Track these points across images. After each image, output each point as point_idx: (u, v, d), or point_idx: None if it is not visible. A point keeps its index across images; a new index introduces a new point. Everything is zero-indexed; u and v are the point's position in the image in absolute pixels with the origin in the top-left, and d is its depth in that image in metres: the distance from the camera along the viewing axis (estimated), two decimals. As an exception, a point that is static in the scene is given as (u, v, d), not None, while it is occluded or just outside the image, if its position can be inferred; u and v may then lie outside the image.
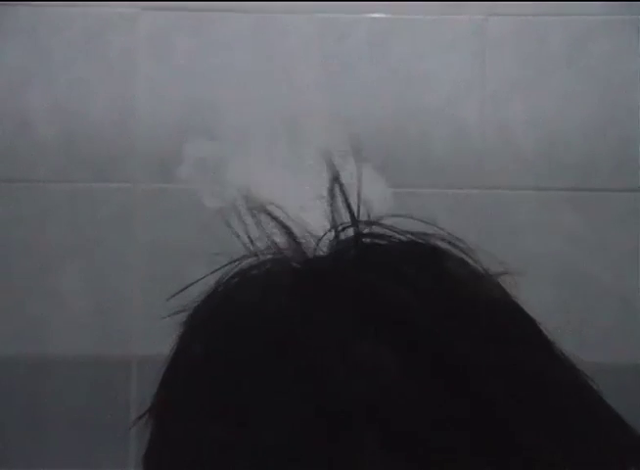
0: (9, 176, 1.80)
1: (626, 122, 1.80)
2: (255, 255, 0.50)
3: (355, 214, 0.49)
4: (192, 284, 0.53)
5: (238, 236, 0.50)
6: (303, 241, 0.49)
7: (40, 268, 1.79)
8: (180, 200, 1.79)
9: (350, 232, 0.49)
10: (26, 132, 1.79)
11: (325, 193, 0.49)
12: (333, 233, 0.49)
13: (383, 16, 1.81)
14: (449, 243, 0.49)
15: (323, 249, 0.49)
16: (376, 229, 0.49)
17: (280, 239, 0.49)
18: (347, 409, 0.43)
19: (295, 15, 1.80)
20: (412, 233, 0.49)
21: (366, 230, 0.49)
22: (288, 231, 0.49)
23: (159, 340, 0.57)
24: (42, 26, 1.80)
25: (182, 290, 0.54)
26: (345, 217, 0.49)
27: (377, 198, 0.49)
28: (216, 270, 0.50)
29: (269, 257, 0.49)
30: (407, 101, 1.79)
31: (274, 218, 0.49)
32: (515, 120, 1.80)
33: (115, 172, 1.79)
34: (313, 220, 0.49)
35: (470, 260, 0.49)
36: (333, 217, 0.49)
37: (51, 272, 1.79)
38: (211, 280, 0.51)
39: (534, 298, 0.51)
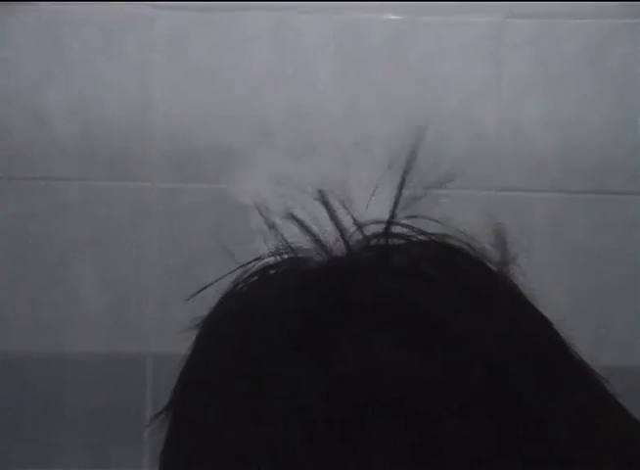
0: (26, 174, 1.80)
1: (643, 126, 1.80)
2: (275, 254, 0.50)
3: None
4: (210, 285, 0.53)
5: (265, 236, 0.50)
6: (322, 240, 0.49)
7: (56, 266, 1.80)
8: (196, 199, 1.79)
9: (368, 232, 0.49)
10: (44, 130, 1.79)
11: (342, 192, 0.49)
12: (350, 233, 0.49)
13: (399, 17, 1.81)
14: (465, 243, 0.49)
15: (341, 248, 0.49)
16: (393, 229, 0.49)
17: (299, 238, 0.49)
18: (365, 404, 0.43)
19: (311, 15, 1.80)
20: (428, 233, 0.49)
21: (383, 230, 0.49)
22: (307, 230, 0.49)
23: (173, 337, 0.58)
24: (61, 25, 1.80)
25: (200, 291, 0.54)
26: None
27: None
28: (235, 270, 0.50)
29: (287, 256, 0.49)
30: (423, 102, 1.79)
31: (294, 218, 0.49)
32: (531, 123, 1.80)
33: (132, 171, 1.80)
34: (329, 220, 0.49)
35: (485, 260, 0.49)
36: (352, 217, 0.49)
37: (67, 270, 1.80)
38: (230, 278, 0.51)
39: (549, 300, 0.51)
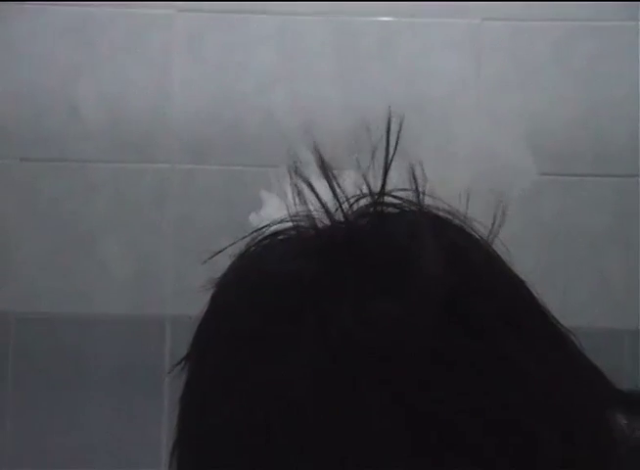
0: (60, 156, 1.80)
1: (606, 116, 1.79)
2: (283, 221, 0.50)
3: (370, 187, 0.49)
4: (225, 249, 0.53)
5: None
6: (325, 209, 0.48)
7: (86, 239, 1.80)
8: (210, 179, 1.79)
9: (364, 202, 0.49)
10: (76, 118, 1.79)
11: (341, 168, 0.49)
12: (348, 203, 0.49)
13: (391, 19, 1.81)
14: (449, 212, 0.49)
15: (341, 216, 0.49)
16: (386, 199, 0.49)
17: (306, 207, 0.49)
18: (360, 360, 0.43)
19: (313, 17, 1.80)
20: (417, 204, 0.49)
21: (378, 200, 0.49)
22: (315, 199, 0.49)
23: (189, 301, 0.57)
24: (90, 25, 1.80)
25: (215, 254, 0.54)
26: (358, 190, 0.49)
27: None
28: (247, 236, 0.50)
29: (295, 223, 0.49)
30: (411, 95, 1.79)
31: (302, 187, 0.49)
32: (506, 113, 1.79)
33: (154, 154, 1.80)
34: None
35: (467, 228, 0.49)
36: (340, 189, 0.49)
37: (96, 242, 1.80)
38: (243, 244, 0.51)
39: (522, 268, 0.51)
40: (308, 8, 1.79)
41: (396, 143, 0.50)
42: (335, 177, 0.48)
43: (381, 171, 0.49)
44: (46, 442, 1.77)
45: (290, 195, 0.49)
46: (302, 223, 0.49)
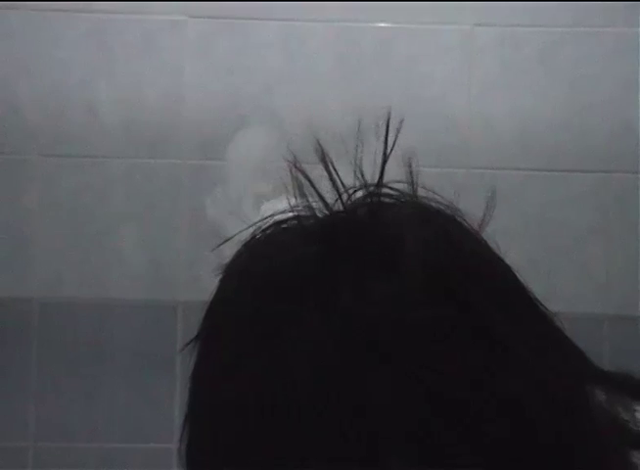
0: (79, 152, 1.80)
1: (589, 116, 1.79)
2: (286, 211, 0.50)
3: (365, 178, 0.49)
4: (232, 237, 0.53)
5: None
6: (325, 199, 0.49)
7: (104, 229, 1.80)
8: (218, 174, 1.79)
9: (362, 194, 0.49)
10: (94, 117, 1.79)
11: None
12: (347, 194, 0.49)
13: (387, 25, 1.80)
14: (441, 204, 0.49)
15: (340, 206, 0.49)
16: (384, 191, 0.49)
17: (308, 198, 0.49)
18: (360, 337, 0.43)
19: (315, 23, 1.80)
20: (412, 195, 0.49)
21: (375, 191, 0.49)
22: (316, 190, 0.49)
23: (200, 288, 0.58)
24: (107, 29, 1.79)
25: (223, 242, 0.54)
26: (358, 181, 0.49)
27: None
28: (252, 225, 0.50)
29: (297, 213, 0.49)
30: (407, 96, 1.79)
31: (303, 179, 0.49)
32: (496, 113, 1.79)
33: (166, 151, 1.80)
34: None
35: (458, 218, 0.49)
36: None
37: (113, 232, 1.80)
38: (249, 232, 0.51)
39: (509, 258, 0.51)
40: (311, 15, 1.79)
41: (394, 140, 0.50)
42: (335, 170, 0.48)
43: (377, 166, 0.49)
44: (67, 418, 1.77)
45: (291, 187, 0.49)
46: (304, 213, 0.49)
